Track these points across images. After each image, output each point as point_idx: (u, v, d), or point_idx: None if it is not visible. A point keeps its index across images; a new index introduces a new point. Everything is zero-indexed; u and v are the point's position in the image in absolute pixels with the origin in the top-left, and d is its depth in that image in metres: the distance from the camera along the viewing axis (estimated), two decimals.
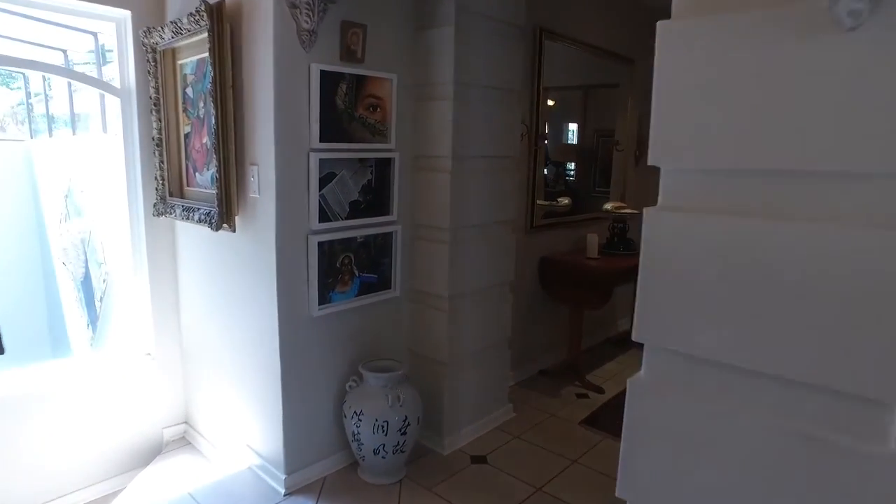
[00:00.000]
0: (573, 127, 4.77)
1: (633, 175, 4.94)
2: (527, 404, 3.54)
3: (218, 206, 2.51)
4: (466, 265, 2.88)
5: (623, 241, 4.05)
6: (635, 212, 4.01)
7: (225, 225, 2.55)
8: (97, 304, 4.58)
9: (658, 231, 1.22)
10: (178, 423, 3.30)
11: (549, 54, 3.66)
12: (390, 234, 2.79)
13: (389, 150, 2.72)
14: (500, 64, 2.92)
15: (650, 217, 1.25)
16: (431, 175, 2.82)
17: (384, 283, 2.81)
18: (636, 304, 1.25)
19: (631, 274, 3.96)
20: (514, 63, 3.02)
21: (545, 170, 4.32)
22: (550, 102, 4.16)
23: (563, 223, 4.09)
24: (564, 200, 4.18)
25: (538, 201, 3.87)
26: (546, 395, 3.70)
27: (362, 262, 2.69)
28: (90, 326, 4.77)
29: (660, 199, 1.26)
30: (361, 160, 2.60)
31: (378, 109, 2.64)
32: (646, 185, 5.06)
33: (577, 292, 3.72)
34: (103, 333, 4.31)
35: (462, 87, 2.72)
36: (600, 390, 3.75)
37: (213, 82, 2.41)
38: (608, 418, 3.39)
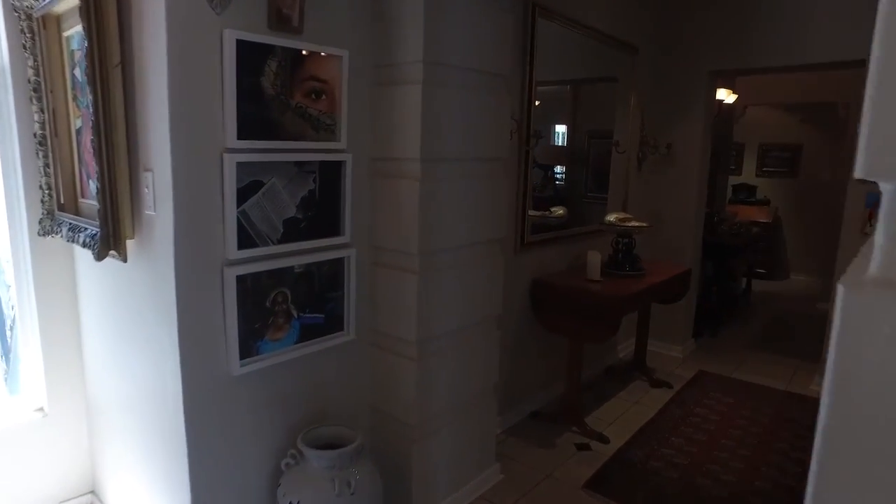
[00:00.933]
0: (561, 128, 4.21)
1: (637, 181, 4.34)
2: (517, 461, 2.91)
3: (102, 226, 1.84)
4: (441, 299, 2.25)
5: (629, 259, 3.44)
6: (643, 224, 3.41)
7: (113, 252, 1.88)
8: (7, 333, 3.87)
9: (872, 331, 0.54)
10: (82, 495, 2.61)
11: (543, 37, 3.04)
12: (341, 260, 2.14)
13: (339, 151, 2.07)
14: (485, 41, 2.29)
15: (852, 301, 0.56)
16: (395, 183, 2.18)
17: (334, 325, 2.16)
18: (810, 479, 0.60)
19: (641, 299, 3.35)
20: (502, 41, 2.39)
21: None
22: (537, 103, 3.60)
23: (559, 238, 3.47)
24: (559, 211, 3.56)
25: (529, 212, 3.25)
26: (540, 446, 3.07)
27: (303, 299, 2.03)
28: (2, 358, 4.06)
29: (875, 262, 0.57)
30: (300, 164, 1.95)
31: (323, 96, 1.99)
32: (651, 192, 4.47)
33: (577, 322, 3.10)
34: (17, 368, 3.63)
35: (435, 69, 2.09)
36: (604, 439, 3.13)
37: (89, 58, 1.74)
38: (618, 479, 2.77)
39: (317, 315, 2.09)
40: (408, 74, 2.08)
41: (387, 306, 2.26)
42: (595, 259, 3.19)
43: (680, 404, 3.68)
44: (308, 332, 2.06)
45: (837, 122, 6.98)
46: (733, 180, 7.91)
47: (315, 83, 1.95)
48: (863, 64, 3.70)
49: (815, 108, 7.31)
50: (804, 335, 5.21)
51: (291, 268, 1.98)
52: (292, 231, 1.96)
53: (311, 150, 1.98)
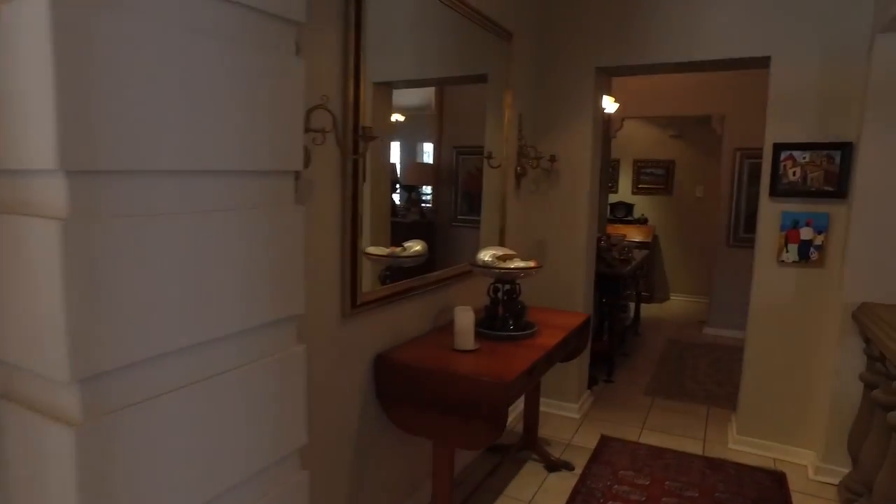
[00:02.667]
0: (428, 145, 3.33)
1: (515, 201, 3.44)
2: None
3: None
4: (152, 473, 1.07)
5: (514, 313, 2.46)
6: (531, 266, 2.45)
7: None
8: None
9: None
10: None
11: None
12: None
13: None
14: None
15: None
16: (8, 226, 0.99)
17: None
18: None
19: (535, 374, 2.36)
20: None
21: (396, 196, 3.00)
22: (400, 118, 2.66)
23: (414, 289, 2.42)
24: (415, 247, 2.52)
25: (369, 250, 2.19)
26: None
27: None
28: None
29: None
30: None
31: None
32: (534, 215, 3.59)
33: (442, 421, 2.04)
34: None
35: None
36: None
37: None
38: None
39: None
40: None
41: None
42: (466, 320, 2.17)
43: (587, 497, 2.76)
44: None
45: (710, 136, 6.70)
46: (610, 198, 7.45)
47: None
48: (766, 62, 3.08)
49: (688, 122, 7.04)
50: (703, 369, 4.61)
51: None
52: None
53: None
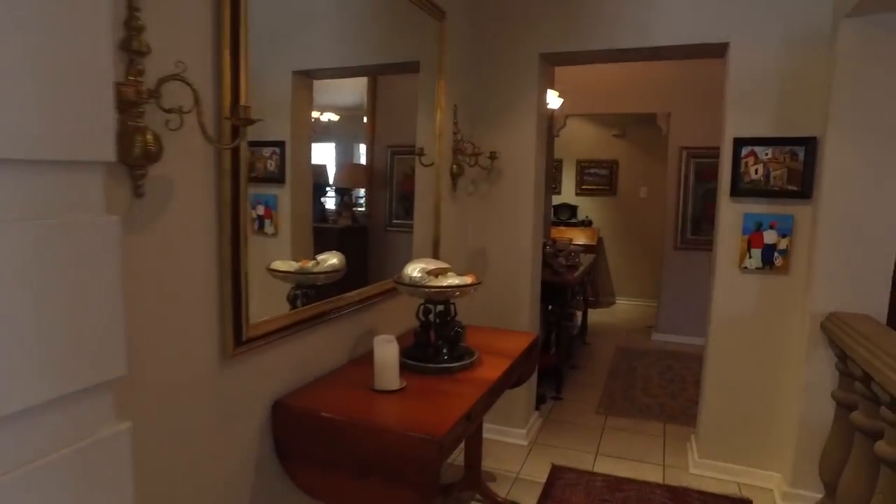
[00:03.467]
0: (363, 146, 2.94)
1: (451, 204, 3.04)
2: None
3: None
4: None
5: (447, 339, 2.04)
6: (467, 283, 2.03)
7: None
8: None
9: None
10: None
11: None
12: None
13: None
14: None
15: None
16: None
17: None
18: None
19: (475, 416, 1.92)
20: None
21: (326, 200, 2.66)
22: (334, 117, 2.30)
23: (325, 315, 1.95)
24: (330, 260, 2.06)
25: (275, 266, 1.73)
26: None
27: None
28: None
29: None
30: None
31: None
32: (473, 220, 3.20)
33: (360, 485, 1.60)
34: None
35: None
36: None
37: None
38: None
39: None
40: None
41: None
42: (388, 354, 1.74)
43: None
44: None
45: (655, 135, 6.53)
46: (553, 200, 7.19)
47: None
48: (723, 49, 2.80)
49: (631, 121, 6.85)
50: (654, 380, 4.35)
51: None
52: None
53: None
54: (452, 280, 1.98)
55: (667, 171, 5.45)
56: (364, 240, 2.91)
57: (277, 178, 2.00)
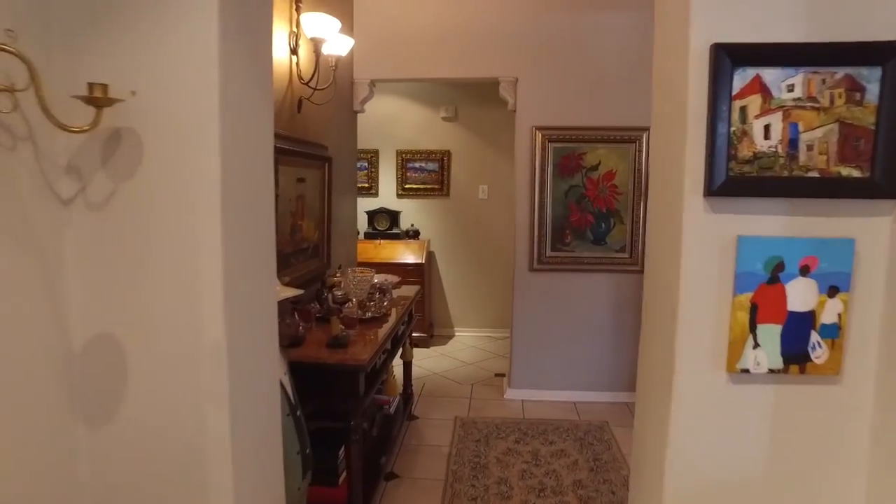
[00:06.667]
0: None
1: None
2: None
3: None
4: None
5: None
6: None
7: None
8: None
9: None
10: None
11: None
12: None
13: None
14: None
15: None
16: None
17: None
18: None
19: None
20: None
21: None
22: None
23: None
24: None
25: None
26: None
27: None
28: None
29: None
30: None
31: None
32: (87, 269, 1.12)
33: None
34: None
35: None
36: None
37: None
38: None
39: None
40: None
41: None
42: None
43: None
44: None
45: (496, 113, 4.97)
46: (368, 204, 5.34)
47: None
48: None
49: (465, 98, 5.23)
50: (517, 486, 2.68)
51: None
52: None
53: None
54: None
55: (514, 163, 3.84)
56: None
57: None
